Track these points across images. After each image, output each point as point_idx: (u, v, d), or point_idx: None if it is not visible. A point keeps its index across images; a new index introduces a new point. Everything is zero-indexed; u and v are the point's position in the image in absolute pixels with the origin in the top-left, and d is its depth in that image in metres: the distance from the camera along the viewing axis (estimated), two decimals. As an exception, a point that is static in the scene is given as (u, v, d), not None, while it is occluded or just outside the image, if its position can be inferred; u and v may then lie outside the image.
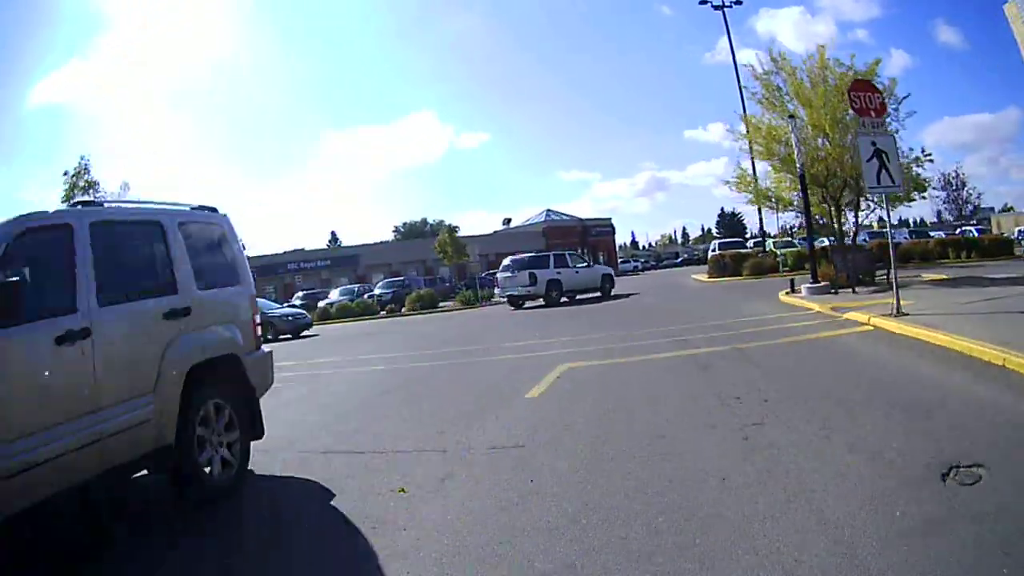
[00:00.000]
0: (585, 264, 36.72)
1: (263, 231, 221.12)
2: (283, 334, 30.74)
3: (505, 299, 34.83)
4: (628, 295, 33.37)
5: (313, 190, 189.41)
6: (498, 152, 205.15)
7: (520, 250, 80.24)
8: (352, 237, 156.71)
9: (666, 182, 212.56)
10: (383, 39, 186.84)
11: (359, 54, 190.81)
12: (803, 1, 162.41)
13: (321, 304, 47.11)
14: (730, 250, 43.74)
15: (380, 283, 53.40)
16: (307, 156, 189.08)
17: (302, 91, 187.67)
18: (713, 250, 48.15)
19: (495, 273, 68.41)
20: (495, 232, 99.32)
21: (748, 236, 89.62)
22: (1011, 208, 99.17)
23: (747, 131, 25.22)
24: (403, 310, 43.03)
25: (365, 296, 47.57)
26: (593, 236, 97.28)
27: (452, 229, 47.95)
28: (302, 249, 79.85)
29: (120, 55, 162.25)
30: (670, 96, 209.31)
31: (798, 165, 21.51)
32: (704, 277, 41.36)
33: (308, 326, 33.38)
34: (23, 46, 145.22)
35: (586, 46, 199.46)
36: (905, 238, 45.34)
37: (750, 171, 27.48)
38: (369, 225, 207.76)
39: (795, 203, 24.86)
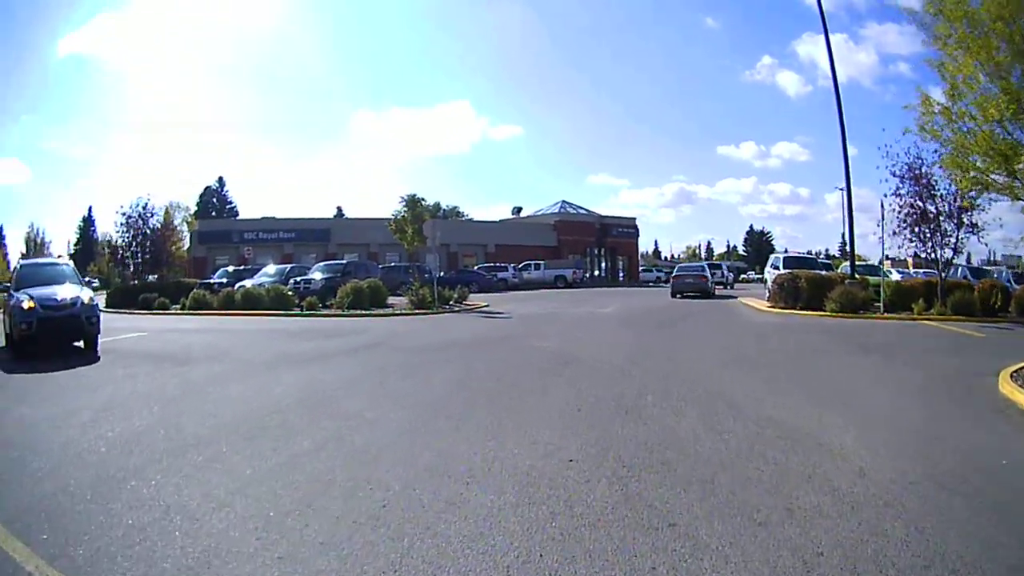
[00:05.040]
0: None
1: (285, 202, 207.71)
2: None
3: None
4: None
5: (341, 166, 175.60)
6: (529, 148, 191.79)
7: (528, 243, 71.63)
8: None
9: (694, 196, 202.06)
10: (424, 25, 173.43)
11: (400, 38, 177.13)
12: (846, 29, 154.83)
13: (243, 285, 33.04)
14: (804, 270, 28.45)
15: (318, 266, 38.72)
16: (339, 132, 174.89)
17: (339, 67, 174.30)
18: (775, 266, 32.95)
19: (492, 267, 58.89)
20: (502, 221, 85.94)
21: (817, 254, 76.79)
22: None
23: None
24: (331, 306, 28.98)
25: (291, 282, 33.40)
26: (612, 236, 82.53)
27: (414, 200, 33.24)
28: (272, 217, 66.22)
29: (152, 13, 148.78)
30: (706, 110, 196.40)
31: None
32: (763, 305, 28.21)
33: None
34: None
35: (625, 51, 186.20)
36: None
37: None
38: (392, 207, 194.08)
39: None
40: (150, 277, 42.24)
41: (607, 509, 5.05)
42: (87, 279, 22.52)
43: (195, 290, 33.09)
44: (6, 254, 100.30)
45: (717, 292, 41.53)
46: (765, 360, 13.22)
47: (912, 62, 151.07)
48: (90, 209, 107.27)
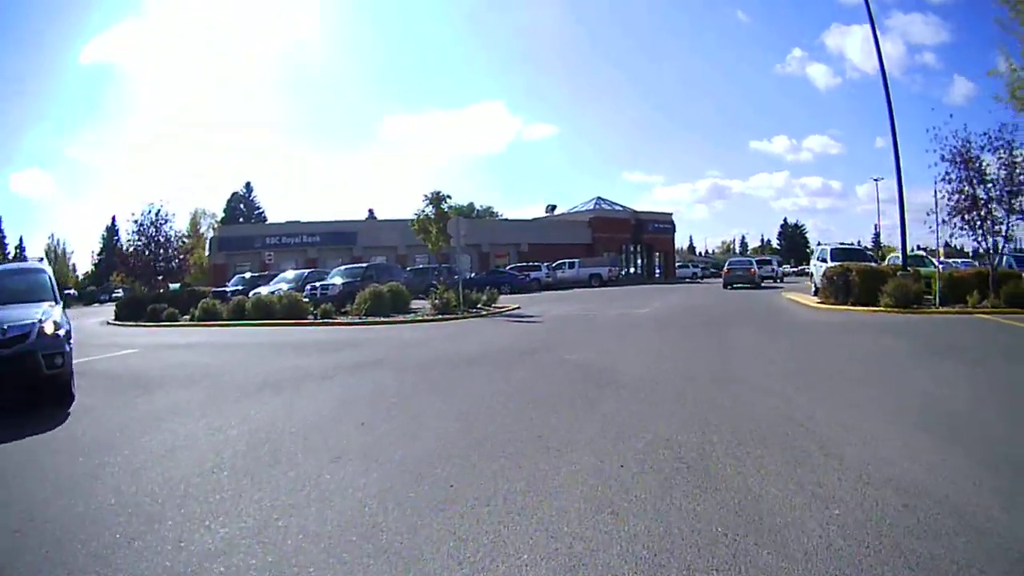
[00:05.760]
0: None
1: (317, 207, 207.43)
2: None
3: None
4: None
5: (373, 170, 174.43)
6: (564, 147, 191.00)
7: (563, 241, 69.05)
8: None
9: (727, 191, 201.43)
10: (454, 26, 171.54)
11: (431, 39, 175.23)
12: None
13: (258, 292, 30.94)
14: (855, 262, 26.48)
15: (337, 269, 36.51)
16: (371, 135, 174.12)
17: (370, 69, 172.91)
18: (822, 258, 30.11)
19: (525, 267, 57.17)
20: (535, 219, 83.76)
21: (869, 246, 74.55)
22: None
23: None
24: (347, 313, 27.16)
25: (307, 288, 31.37)
26: (648, 232, 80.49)
27: (438, 198, 31.02)
28: (295, 221, 64.38)
29: (175, 18, 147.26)
30: (739, 104, 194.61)
31: None
32: (810, 300, 27.03)
33: None
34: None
35: (657, 47, 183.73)
36: None
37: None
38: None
39: None
40: (173, 286, 40.73)
41: None
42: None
43: (204, 300, 30.94)
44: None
45: (764, 285, 45.77)
46: (842, 373, 10.66)
47: (938, 52, 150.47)
48: (113, 218, 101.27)
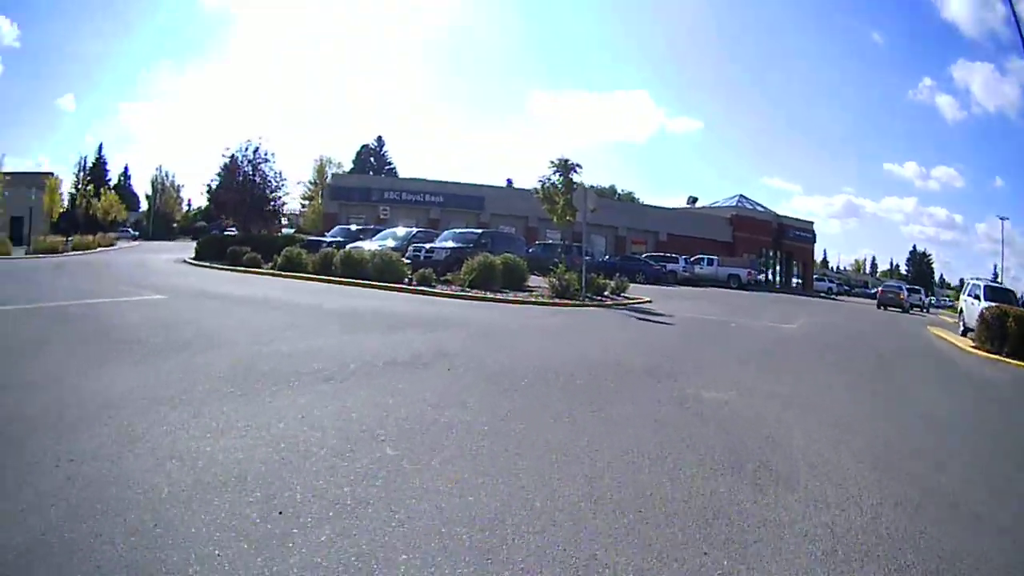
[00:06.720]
0: None
1: (452, 172, 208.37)
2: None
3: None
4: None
5: (514, 143, 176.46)
6: (706, 144, 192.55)
7: (701, 236, 63.83)
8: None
9: (861, 209, 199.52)
10: (603, 15, 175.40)
11: (577, 20, 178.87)
12: (994, 59, 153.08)
13: (358, 246, 27.26)
14: (1010, 306, 21.97)
15: (448, 232, 32.06)
16: (515, 106, 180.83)
17: (518, 46, 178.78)
18: (975, 295, 25.54)
19: (663, 257, 52.76)
20: (675, 209, 78.78)
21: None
22: None
23: None
24: (449, 282, 23.46)
25: (411, 249, 27.65)
26: (788, 239, 75.52)
27: (566, 165, 26.67)
28: (423, 179, 60.84)
29: None
30: (873, 123, 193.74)
31: None
32: (962, 343, 22.22)
33: None
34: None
35: (795, 57, 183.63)
36: None
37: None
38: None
39: None
40: (287, 230, 37.90)
41: None
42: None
43: (288, 248, 27.76)
44: (135, 197, 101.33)
45: (910, 312, 48.05)
46: None
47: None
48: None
